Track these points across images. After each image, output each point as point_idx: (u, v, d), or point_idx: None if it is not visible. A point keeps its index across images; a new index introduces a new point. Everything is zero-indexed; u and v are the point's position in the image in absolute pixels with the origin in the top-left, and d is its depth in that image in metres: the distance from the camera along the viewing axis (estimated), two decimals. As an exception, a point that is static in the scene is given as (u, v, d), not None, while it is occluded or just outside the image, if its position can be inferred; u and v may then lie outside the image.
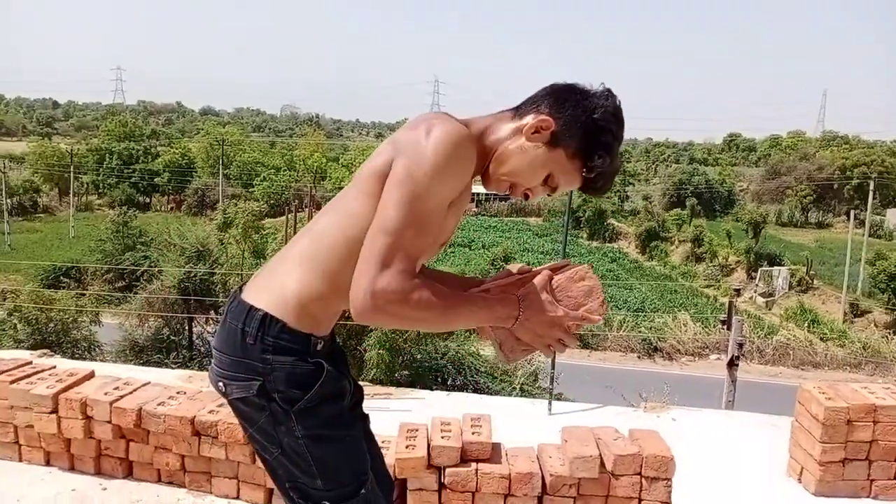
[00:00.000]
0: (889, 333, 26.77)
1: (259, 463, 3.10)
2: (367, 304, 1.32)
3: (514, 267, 1.62)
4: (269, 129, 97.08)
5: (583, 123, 1.47)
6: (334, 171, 55.24)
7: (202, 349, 19.39)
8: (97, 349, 17.35)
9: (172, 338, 19.47)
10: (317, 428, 1.50)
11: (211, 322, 21.05)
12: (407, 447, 3.05)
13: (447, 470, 3.03)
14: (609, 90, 1.51)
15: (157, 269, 24.05)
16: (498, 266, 23.96)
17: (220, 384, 1.53)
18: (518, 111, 1.55)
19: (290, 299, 1.48)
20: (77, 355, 15.90)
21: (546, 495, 3.04)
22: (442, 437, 3.08)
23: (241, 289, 1.58)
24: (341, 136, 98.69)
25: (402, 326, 1.43)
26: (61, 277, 28.23)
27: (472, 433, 3.16)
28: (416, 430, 3.17)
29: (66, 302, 18.63)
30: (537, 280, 1.52)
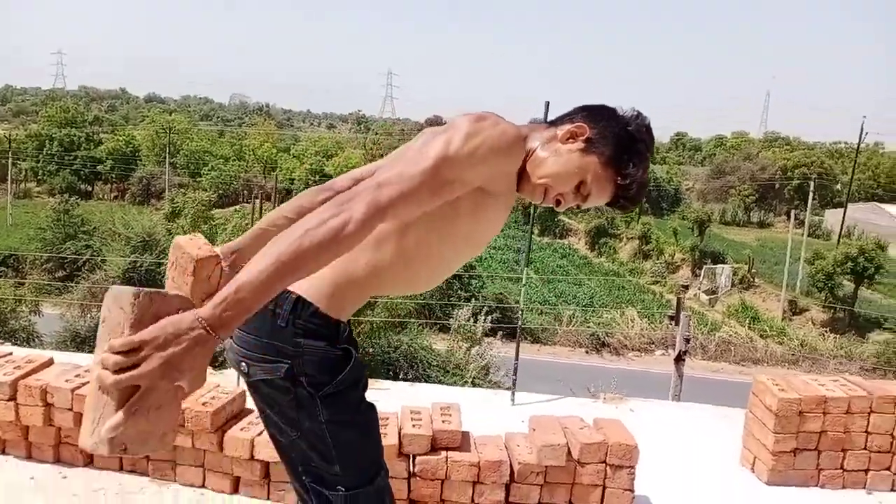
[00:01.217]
0: (825, 331, 27.84)
1: (227, 451, 3.08)
2: (353, 194, 1.27)
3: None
4: (218, 117, 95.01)
5: (616, 133, 1.51)
6: (285, 162, 54.47)
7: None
8: (36, 339, 16.81)
9: (116, 329, 18.95)
10: (341, 413, 1.49)
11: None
12: (378, 435, 3.07)
13: (418, 458, 3.05)
14: (638, 111, 1.56)
15: (100, 258, 23.43)
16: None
17: (243, 364, 1.50)
18: (552, 123, 1.59)
19: (326, 284, 1.47)
20: (16, 346, 15.36)
21: (514, 483, 3.10)
22: (413, 426, 3.11)
23: None
24: (292, 126, 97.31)
25: (315, 217, 1.21)
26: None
27: (443, 421, 3.19)
28: (387, 419, 3.18)
29: (4, 291, 17.99)
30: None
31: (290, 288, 1.43)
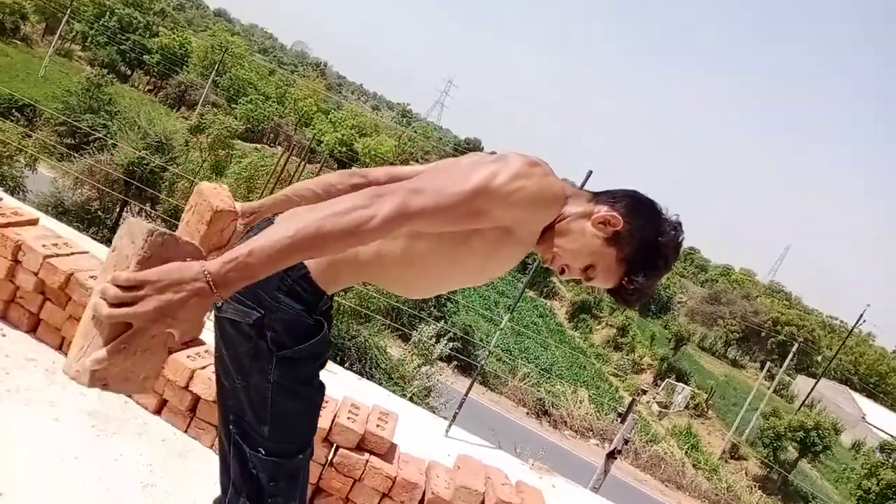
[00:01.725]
0: (755, 485, 27.84)
1: (166, 372, 3.06)
2: (382, 190, 1.26)
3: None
4: (275, 57, 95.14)
5: (645, 238, 1.51)
6: (320, 122, 54.49)
7: (124, 237, 18.87)
8: (21, 192, 16.71)
9: (100, 213, 18.91)
10: (290, 381, 1.48)
11: (144, 213, 20.50)
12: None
13: (341, 450, 3.04)
14: (680, 223, 1.56)
15: (112, 142, 23.32)
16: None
17: None
18: (596, 197, 1.57)
19: None
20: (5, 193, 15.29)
21: (421, 509, 3.08)
22: (348, 418, 3.10)
23: (271, 219, 1.57)
24: (340, 92, 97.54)
25: (341, 206, 1.21)
26: (14, 110, 27.06)
27: (377, 425, 3.18)
28: (327, 402, 3.18)
29: (10, 135, 17.88)
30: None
31: None
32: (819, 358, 51.40)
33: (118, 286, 1.06)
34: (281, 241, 1.13)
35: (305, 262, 1.44)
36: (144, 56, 49.90)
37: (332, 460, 3.03)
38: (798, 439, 29.16)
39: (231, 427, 1.54)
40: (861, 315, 42.11)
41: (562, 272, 1.57)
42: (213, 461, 2.95)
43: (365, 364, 15.80)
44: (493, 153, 1.55)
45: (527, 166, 1.41)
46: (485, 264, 1.53)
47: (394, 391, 13.31)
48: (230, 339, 1.50)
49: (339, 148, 50.19)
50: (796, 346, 38.96)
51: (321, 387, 1.59)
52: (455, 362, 19.78)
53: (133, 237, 1.12)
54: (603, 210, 1.51)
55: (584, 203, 1.55)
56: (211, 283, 1.08)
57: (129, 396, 3.14)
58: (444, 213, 1.31)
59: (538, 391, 25.33)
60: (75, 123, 25.78)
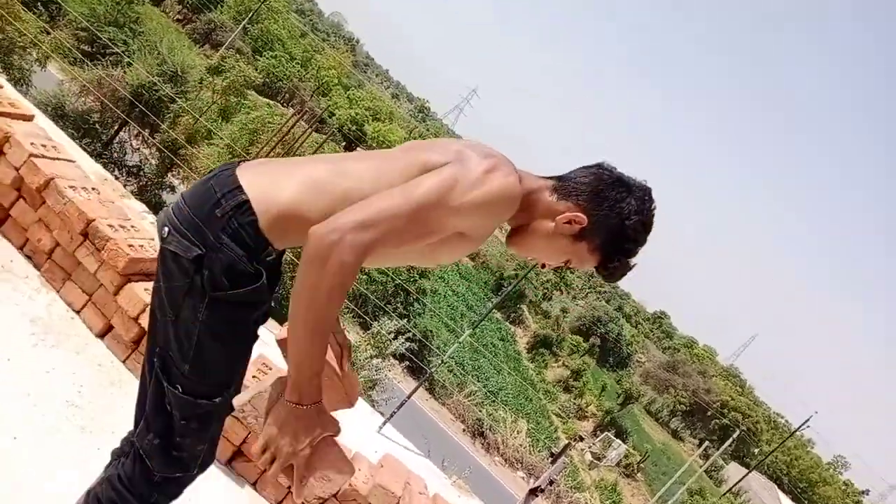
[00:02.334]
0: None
1: (119, 298, 3.05)
2: (326, 241, 1.28)
3: (347, 352, 1.63)
4: (310, 21, 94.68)
5: (612, 227, 1.54)
6: (337, 96, 54.31)
7: (115, 154, 18.66)
8: (25, 86, 16.46)
9: (97, 126, 18.67)
10: (218, 322, 1.47)
11: (141, 138, 20.30)
12: (253, 378, 3.04)
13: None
14: (648, 192, 1.58)
15: (128, 60, 23.06)
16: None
17: (166, 229, 1.49)
18: (561, 188, 1.58)
19: (276, 204, 1.46)
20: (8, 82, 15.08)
21: (333, 497, 3.07)
22: (253, 377, 3.02)
23: (238, 164, 1.57)
24: (365, 72, 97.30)
25: (309, 283, 1.29)
26: (39, 3, 26.67)
27: (253, 376, 3.15)
28: (271, 369, 3.16)
29: (29, 27, 17.62)
30: (331, 421, 1.44)
31: (246, 189, 1.44)
32: (756, 450, 51.96)
33: (261, 454, 1.38)
34: (304, 350, 1.33)
35: (255, 210, 1.43)
36: (181, -15, 49.48)
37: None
38: (717, 523, 29.46)
39: (155, 360, 1.53)
40: (807, 420, 42.56)
41: (543, 266, 1.66)
42: (142, 398, 2.92)
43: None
44: (461, 141, 1.55)
45: (483, 174, 1.42)
46: (436, 251, 1.54)
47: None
48: (169, 271, 1.49)
49: (350, 126, 50.08)
50: (737, 432, 39.36)
51: (251, 337, 1.56)
52: (407, 363, 19.76)
53: (266, 385, 1.46)
54: (566, 208, 1.55)
55: (549, 195, 1.57)
56: (297, 405, 1.34)
57: (77, 313, 3.10)
58: (398, 237, 1.35)
59: (480, 411, 25.36)
60: (97, 32, 25.45)
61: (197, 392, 1.52)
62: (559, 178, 1.62)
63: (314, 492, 1.59)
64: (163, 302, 1.51)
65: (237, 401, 1.47)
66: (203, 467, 1.64)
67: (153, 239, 3.30)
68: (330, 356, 1.52)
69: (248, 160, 1.63)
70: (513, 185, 1.46)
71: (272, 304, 1.62)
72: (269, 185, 1.48)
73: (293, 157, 1.61)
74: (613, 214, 1.54)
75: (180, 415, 1.52)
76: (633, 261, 1.61)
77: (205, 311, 1.46)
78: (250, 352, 1.61)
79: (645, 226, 1.56)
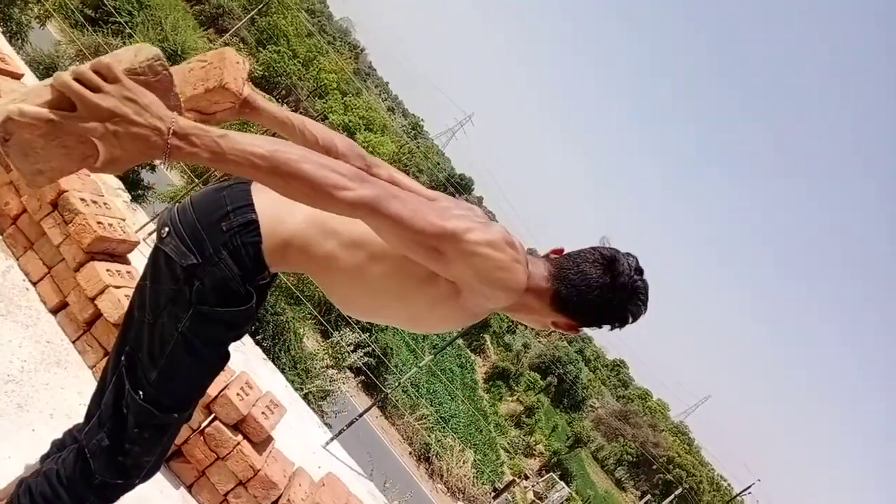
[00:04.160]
0: None
1: (79, 277, 2.95)
2: (375, 182, 1.22)
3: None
4: (319, 22, 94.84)
5: (608, 322, 1.56)
6: (333, 100, 54.29)
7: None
8: (21, 41, 16.15)
9: (87, 93, 18.34)
10: (197, 337, 1.43)
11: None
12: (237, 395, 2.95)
13: (216, 423, 2.93)
14: (642, 289, 1.53)
15: (130, 31, 22.82)
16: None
17: (165, 230, 1.44)
18: (560, 295, 1.52)
19: (283, 232, 1.43)
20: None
21: (269, 511, 2.98)
22: (237, 395, 2.99)
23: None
24: (365, 81, 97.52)
25: (331, 170, 1.16)
26: (49, -40, 26.35)
27: (262, 413, 3.08)
28: (252, 388, 3.07)
29: (34, -17, 17.34)
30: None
31: (257, 208, 1.41)
32: (697, 510, 52.18)
33: (95, 70, 1.01)
34: (257, 148, 1.08)
35: (263, 233, 1.40)
36: (195, -33, 49.27)
37: (204, 429, 2.92)
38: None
39: (122, 358, 1.47)
40: (749, 486, 43.04)
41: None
42: (87, 381, 2.81)
43: (276, 343, 15.50)
44: (483, 211, 1.54)
45: (503, 242, 1.39)
46: (425, 316, 1.51)
47: (293, 381, 13.08)
48: (159, 273, 1.44)
49: (342, 131, 50.02)
50: (680, 489, 39.56)
51: (225, 356, 1.53)
52: (363, 377, 19.55)
53: (138, 52, 1.08)
54: (564, 325, 1.55)
55: (546, 302, 1.52)
56: (169, 133, 1.03)
57: (34, 285, 2.99)
58: (409, 231, 1.27)
59: (429, 436, 25.14)
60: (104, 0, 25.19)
61: (158, 403, 1.46)
62: (562, 274, 1.53)
63: (19, 125, 0.95)
64: (144, 301, 1.46)
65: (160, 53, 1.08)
66: (146, 478, 1.57)
67: (124, 219, 3.21)
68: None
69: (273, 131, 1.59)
70: (518, 274, 1.43)
71: (252, 327, 1.57)
72: (280, 210, 1.44)
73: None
74: (607, 316, 1.54)
75: (135, 421, 1.46)
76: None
77: (186, 322, 1.41)
78: (218, 372, 1.56)
79: (636, 317, 1.55)
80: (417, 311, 1.50)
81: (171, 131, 1.03)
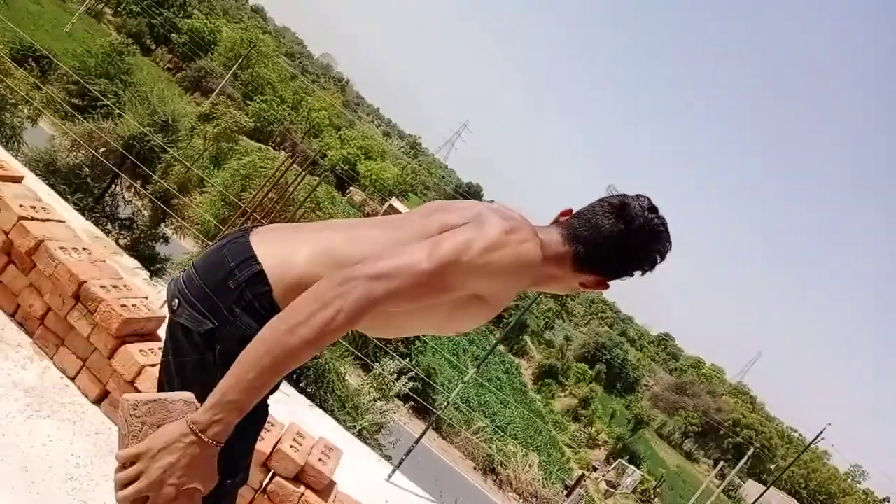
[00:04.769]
0: (685, 583, 27.47)
1: (114, 362, 2.95)
2: (337, 281, 1.22)
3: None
4: (300, 63, 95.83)
5: (635, 269, 1.54)
6: (329, 137, 54.72)
7: (107, 208, 18.61)
8: (17, 143, 16.50)
9: (89, 181, 18.66)
10: None
11: (133, 190, 20.28)
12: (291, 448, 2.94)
13: (277, 478, 2.90)
14: (660, 225, 1.50)
15: (118, 111, 23.18)
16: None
17: (176, 301, 1.42)
18: (584, 258, 1.51)
19: (291, 274, 1.40)
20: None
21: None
22: (291, 447, 2.97)
23: (251, 229, 1.50)
24: (355, 111, 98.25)
25: (301, 309, 1.19)
26: (30, 59, 26.94)
27: (320, 459, 3.05)
28: (272, 425, 3.05)
29: (21, 84, 17.74)
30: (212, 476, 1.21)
31: (261, 258, 1.39)
32: (772, 466, 51.29)
33: (121, 466, 1.13)
34: (250, 372, 1.16)
35: (272, 282, 1.37)
36: (173, 34, 50.11)
37: (266, 487, 2.90)
38: (737, 545, 28.91)
39: None
40: (821, 432, 42.16)
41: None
42: (142, 465, 2.80)
43: (321, 387, 15.52)
44: (491, 202, 1.52)
45: (503, 234, 1.37)
46: (450, 320, 1.49)
47: (345, 420, 13.08)
48: (179, 346, 1.41)
49: (343, 165, 50.33)
50: (752, 450, 38.91)
51: (264, 411, 1.49)
52: (412, 403, 19.50)
53: (124, 414, 1.17)
54: (591, 283, 1.54)
55: (569, 267, 1.52)
56: (199, 434, 1.13)
57: (72, 380, 2.99)
58: (411, 293, 1.28)
59: (489, 448, 24.99)
60: (87, 85, 25.65)
61: None
62: (579, 237, 1.51)
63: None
64: (171, 377, 1.43)
65: (131, 397, 1.18)
66: None
67: (146, 297, 3.21)
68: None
69: (260, 224, 1.58)
70: (531, 253, 1.41)
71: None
72: (284, 254, 1.42)
73: (306, 223, 1.54)
74: (633, 269, 1.53)
75: None
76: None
77: None
78: (262, 428, 1.53)
79: (663, 258, 1.54)
80: (442, 321, 1.49)
81: (199, 433, 1.14)
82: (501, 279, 1.39)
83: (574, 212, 1.57)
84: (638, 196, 1.53)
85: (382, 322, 1.49)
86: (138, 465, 1.12)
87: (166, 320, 1.47)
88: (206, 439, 1.13)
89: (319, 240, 1.46)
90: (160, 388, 1.49)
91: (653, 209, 1.51)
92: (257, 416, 1.49)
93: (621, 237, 1.50)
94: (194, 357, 1.38)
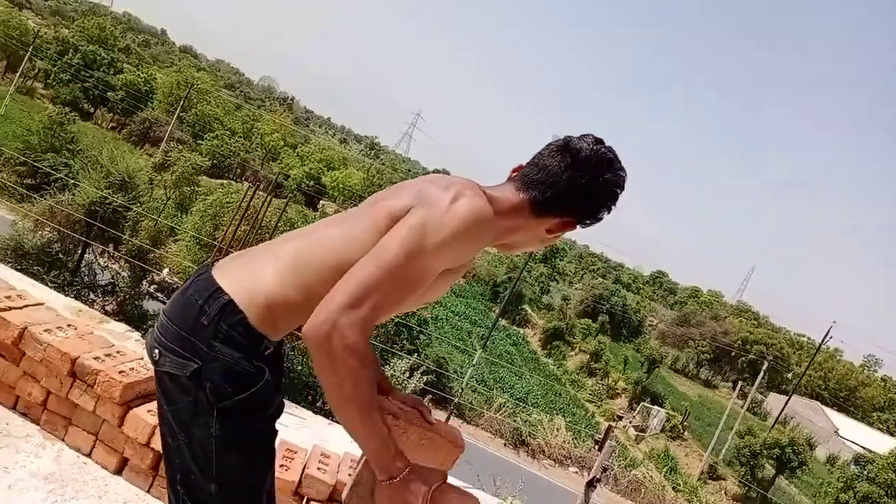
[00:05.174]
0: (734, 505, 27.89)
1: (125, 428, 2.94)
2: (322, 330, 1.27)
3: (425, 410, 1.61)
4: (242, 92, 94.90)
5: (593, 212, 1.58)
6: (288, 157, 54.38)
7: (86, 279, 18.43)
8: (-22, 238, 16.26)
9: (61, 256, 18.47)
10: (234, 433, 1.42)
11: (107, 255, 20.09)
12: (281, 466, 2.94)
13: (312, 503, 2.93)
14: (609, 154, 1.55)
15: (73, 181, 22.92)
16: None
17: (156, 352, 1.43)
18: (541, 202, 1.55)
19: (260, 295, 1.42)
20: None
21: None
22: (318, 469, 2.99)
23: (213, 264, 1.51)
24: (307, 126, 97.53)
25: (327, 374, 1.29)
26: (-28, 151, 26.53)
27: (349, 475, 3.07)
28: (295, 453, 3.07)
29: (-32, 178, 17.45)
30: (434, 471, 1.49)
31: (226, 289, 1.41)
32: (789, 375, 52.07)
33: None
34: (365, 437, 1.36)
35: (243, 308, 1.39)
36: (108, 93, 49.39)
37: (303, 514, 2.92)
38: (774, 456, 29.34)
39: (178, 487, 1.47)
40: (828, 332, 42.96)
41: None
42: (177, 521, 2.81)
43: (337, 402, 15.47)
44: (422, 179, 1.53)
45: (450, 203, 1.40)
46: (425, 294, 1.51)
47: (368, 428, 13.12)
48: (170, 394, 1.43)
49: (307, 182, 50.05)
50: (766, 364, 39.45)
51: (271, 435, 1.51)
52: (430, 396, 19.57)
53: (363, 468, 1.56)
54: (555, 226, 1.58)
55: (529, 215, 1.56)
56: (392, 480, 1.37)
57: (88, 456, 2.99)
58: (390, 301, 1.34)
59: (514, 421, 25.17)
60: (35, 164, 25.31)
61: None
62: (531, 182, 1.56)
63: None
64: (171, 426, 1.45)
65: (345, 498, 1.50)
66: None
67: (142, 358, 3.21)
68: (411, 419, 1.54)
69: (220, 258, 1.59)
70: (481, 208, 1.43)
71: (283, 397, 1.56)
72: (248, 277, 1.44)
73: (265, 242, 1.56)
74: (594, 207, 1.57)
75: None
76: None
77: (216, 424, 1.40)
78: (274, 449, 1.55)
79: (622, 187, 1.58)
80: (416, 299, 1.51)
81: (384, 481, 1.38)
82: (461, 245, 1.42)
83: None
84: (582, 135, 1.57)
85: None
86: None
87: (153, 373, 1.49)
88: (399, 476, 1.37)
89: (279, 254, 1.48)
90: (164, 442, 1.51)
91: (598, 141, 1.56)
92: (265, 441, 1.51)
93: (572, 172, 1.55)
94: (186, 400, 1.40)
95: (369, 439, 1.34)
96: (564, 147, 1.55)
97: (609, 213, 1.58)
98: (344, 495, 1.54)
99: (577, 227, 1.58)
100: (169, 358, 1.41)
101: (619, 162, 1.57)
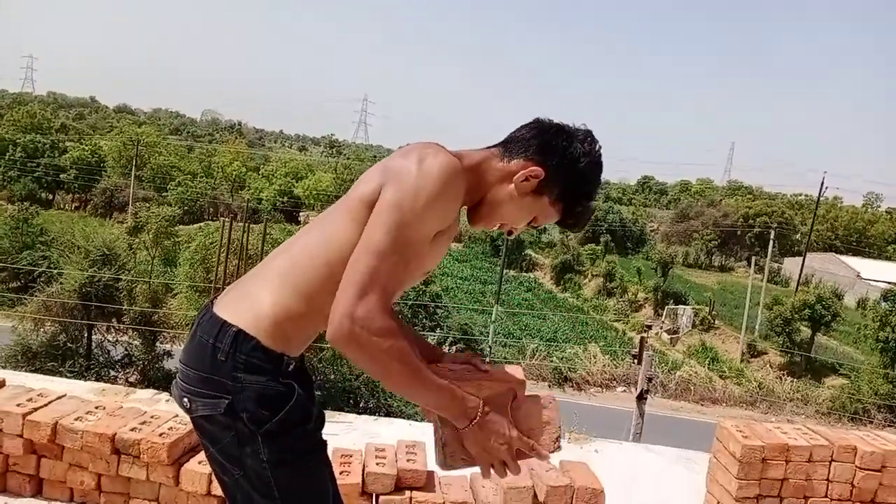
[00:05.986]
0: (782, 375, 28.29)
1: (183, 485, 2.98)
2: (344, 329, 1.31)
3: (477, 361, 1.62)
4: (188, 132, 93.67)
5: (567, 173, 1.57)
6: (254, 181, 54.03)
7: (101, 358, 18.42)
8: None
9: (69, 345, 18.45)
10: (282, 452, 1.45)
11: (112, 330, 20.07)
12: (341, 473, 2.99)
13: (381, 498, 2.98)
14: (590, 134, 1.61)
15: (56, 270, 22.80)
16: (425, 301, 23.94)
17: (185, 400, 1.47)
18: (507, 150, 1.60)
19: (265, 317, 1.45)
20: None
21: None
22: (377, 464, 3.03)
23: (212, 302, 1.53)
24: (263, 145, 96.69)
25: (368, 364, 1.35)
26: (-52, 269, 26.34)
27: (408, 460, 3.12)
28: (351, 456, 3.11)
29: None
30: (503, 392, 1.53)
31: (231, 321, 1.44)
32: (798, 236, 52.43)
33: (496, 474, 1.53)
34: (432, 400, 1.44)
35: (253, 333, 1.43)
36: (61, 175, 48.85)
37: (376, 510, 2.97)
38: (806, 317, 29.69)
39: None
40: (822, 183, 43.21)
41: (510, 233, 1.69)
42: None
43: (378, 397, 15.64)
44: (385, 159, 1.56)
45: (416, 169, 1.43)
46: (420, 265, 1.54)
47: (414, 414, 13.23)
48: (211, 435, 1.47)
49: (280, 199, 49.83)
50: (773, 232, 39.71)
51: (320, 446, 1.55)
52: (464, 364, 19.70)
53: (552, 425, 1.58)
54: (519, 166, 1.56)
55: (499, 161, 1.58)
56: (472, 422, 1.46)
57: (156, 522, 3.04)
58: (396, 280, 1.38)
59: (551, 361, 25.41)
60: (15, 266, 25.15)
61: None
62: (502, 143, 1.63)
63: (549, 441, 1.55)
64: (223, 465, 1.49)
65: (437, 461, 1.54)
66: None
67: (177, 415, 3.23)
68: (464, 376, 1.54)
69: (217, 296, 1.61)
70: (448, 160, 1.45)
71: (322, 407, 1.59)
72: (248, 304, 1.47)
73: (252, 269, 1.58)
74: (566, 161, 1.56)
75: None
76: (594, 203, 1.66)
77: (264, 449, 1.43)
78: (328, 458, 1.59)
79: (597, 165, 1.60)
80: (413, 272, 1.53)
81: (468, 423, 1.45)
82: (442, 202, 1.44)
83: None
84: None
85: None
86: (496, 464, 1.49)
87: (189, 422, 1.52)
88: (477, 417, 1.44)
89: (269, 274, 1.51)
90: (221, 482, 1.54)
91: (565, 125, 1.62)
92: (318, 451, 1.54)
93: (538, 126, 1.62)
94: (229, 436, 1.44)
95: (437, 398, 1.41)
96: (533, 121, 1.63)
97: (572, 158, 1.56)
98: (436, 460, 1.55)
99: (542, 170, 1.55)
100: (200, 402, 1.44)
101: (590, 133, 1.61)
